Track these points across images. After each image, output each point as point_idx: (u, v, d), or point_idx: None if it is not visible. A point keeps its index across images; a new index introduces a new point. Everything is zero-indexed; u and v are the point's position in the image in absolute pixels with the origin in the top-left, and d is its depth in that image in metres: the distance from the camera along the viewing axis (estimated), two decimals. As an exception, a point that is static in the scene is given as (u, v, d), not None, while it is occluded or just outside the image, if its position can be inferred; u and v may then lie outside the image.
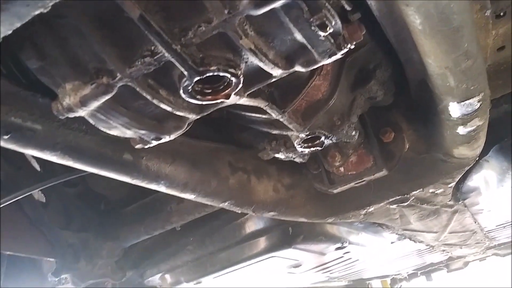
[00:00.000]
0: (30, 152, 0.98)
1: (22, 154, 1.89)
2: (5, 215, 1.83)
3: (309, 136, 1.25)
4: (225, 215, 2.11)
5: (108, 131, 0.95)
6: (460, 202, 2.21)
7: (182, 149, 1.32)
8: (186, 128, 1.02)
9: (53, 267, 2.28)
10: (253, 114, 1.19)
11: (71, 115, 0.86)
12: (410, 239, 2.70)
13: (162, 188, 1.29)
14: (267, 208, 1.64)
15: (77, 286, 2.06)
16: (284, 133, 1.26)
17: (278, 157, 1.46)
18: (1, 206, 1.60)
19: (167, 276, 2.33)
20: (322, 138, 1.27)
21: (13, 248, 1.89)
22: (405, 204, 1.89)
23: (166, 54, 0.78)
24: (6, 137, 0.91)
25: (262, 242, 2.11)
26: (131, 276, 2.33)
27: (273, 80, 0.93)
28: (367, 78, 1.28)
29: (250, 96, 0.98)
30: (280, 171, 1.69)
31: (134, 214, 2.03)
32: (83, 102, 0.83)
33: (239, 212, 1.61)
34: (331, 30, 0.80)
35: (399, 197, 1.77)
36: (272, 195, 1.65)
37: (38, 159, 1.94)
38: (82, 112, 0.86)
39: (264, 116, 1.16)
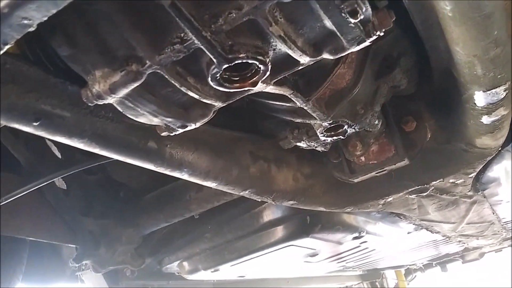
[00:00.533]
0: (58, 139, 0.99)
1: (43, 142, 1.91)
2: (27, 202, 1.86)
3: (332, 125, 1.24)
4: (243, 204, 2.11)
5: (135, 119, 0.96)
6: (480, 193, 2.19)
7: (205, 138, 1.33)
8: (211, 116, 1.03)
9: (73, 253, 2.32)
10: (277, 102, 1.18)
11: (100, 102, 0.87)
12: (427, 229, 2.69)
13: (185, 176, 1.30)
14: (286, 197, 1.65)
15: (97, 272, 2.10)
16: (307, 121, 1.25)
17: (299, 146, 1.46)
18: (25, 193, 1.63)
19: (185, 264, 2.35)
20: (345, 127, 1.27)
21: (35, 234, 1.92)
22: (424, 194, 1.89)
23: (196, 41, 0.78)
24: (36, 124, 0.92)
25: (279, 231, 2.12)
26: (150, 263, 2.36)
27: (300, 68, 0.92)
28: (392, 66, 1.27)
29: (276, 84, 0.98)
30: (300, 160, 1.69)
31: (154, 202, 2.05)
32: (113, 89, 0.84)
33: (259, 200, 1.62)
34: (361, 17, 0.79)
35: (419, 187, 1.77)
36: (291, 184, 1.65)
37: (59, 147, 1.96)
38: (111, 99, 0.87)
39: (287, 104, 1.16)
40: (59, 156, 1.95)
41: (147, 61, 0.82)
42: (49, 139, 1.91)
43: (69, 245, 2.22)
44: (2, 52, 0.67)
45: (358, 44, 0.86)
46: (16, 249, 2.04)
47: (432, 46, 1.17)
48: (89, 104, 0.87)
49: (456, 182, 1.86)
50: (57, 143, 1.95)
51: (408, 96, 1.51)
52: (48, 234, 1.97)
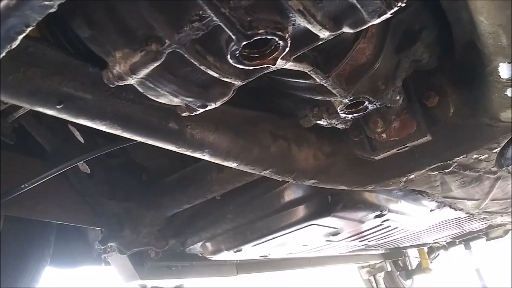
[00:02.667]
0: (81, 121, 1.01)
1: (66, 127, 1.94)
2: (52, 187, 1.90)
3: (352, 102, 1.23)
4: (264, 184, 2.12)
5: (156, 99, 0.97)
6: (504, 169, 2.15)
7: (225, 118, 1.33)
8: (231, 95, 1.03)
9: (99, 236, 2.37)
10: (296, 80, 1.18)
11: (121, 83, 0.87)
12: (450, 206, 2.67)
13: (206, 157, 1.31)
14: (307, 176, 1.64)
15: (123, 254, 2.14)
16: (327, 98, 1.24)
17: (319, 124, 1.45)
18: (50, 177, 1.66)
19: (208, 244, 2.38)
20: (366, 103, 1.25)
21: (61, 218, 1.97)
22: (447, 170, 1.86)
23: (215, 18, 0.77)
24: (59, 106, 0.93)
25: (301, 210, 2.12)
26: (173, 244, 2.40)
27: (320, 43, 0.91)
28: (413, 40, 1.24)
29: (296, 60, 0.98)
30: (320, 139, 1.68)
31: (175, 184, 2.07)
32: (133, 70, 0.84)
33: (280, 180, 1.62)
34: (382, -12, 0.78)
35: (442, 163, 1.74)
36: (312, 163, 1.65)
37: (81, 132, 1.99)
38: (131, 80, 0.87)
39: (307, 82, 1.15)
40: (82, 141, 1.98)
41: (166, 41, 0.82)
42: (71, 124, 1.94)
43: (95, 228, 2.26)
44: (24, 34, 0.68)
45: (379, 16, 0.84)
46: (44, 233, 2.09)
47: (455, 18, 1.15)
48: (110, 85, 0.88)
49: (479, 158, 1.83)
50: (79, 128, 1.98)
51: (429, 71, 1.47)
52: (73, 218, 2.01)
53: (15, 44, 0.69)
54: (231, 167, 1.46)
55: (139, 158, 2.14)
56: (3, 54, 0.70)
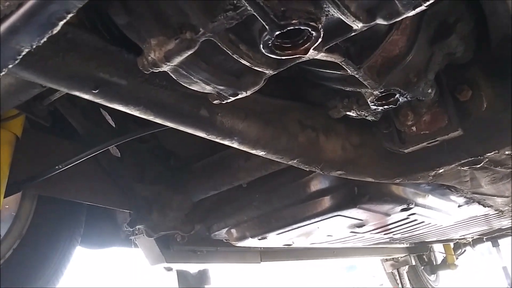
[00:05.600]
0: (115, 106, 1.03)
1: (99, 112, 1.99)
2: (84, 169, 1.95)
3: (383, 94, 1.22)
4: (291, 173, 2.13)
5: (189, 86, 0.98)
6: (537, 166, 2.10)
7: (255, 106, 1.34)
8: (262, 84, 1.03)
9: (127, 218, 2.43)
10: (327, 71, 1.17)
11: (156, 70, 0.89)
12: (479, 203, 2.62)
13: (235, 144, 1.32)
14: (335, 167, 1.64)
15: (150, 236, 2.19)
16: (358, 90, 1.24)
17: (348, 115, 1.45)
18: (83, 159, 1.71)
19: (233, 231, 2.40)
20: (397, 96, 1.24)
21: (92, 199, 2.03)
22: (478, 166, 1.83)
23: (249, 8, 0.78)
24: (95, 91, 0.96)
25: (327, 201, 2.12)
26: (199, 229, 2.43)
27: (353, 34, 0.91)
28: (447, 32, 1.22)
29: (328, 51, 0.98)
30: (349, 130, 1.67)
31: (203, 170, 2.10)
32: (167, 57, 0.86)
33: (307, 170, 1.63)
34: (418, -21, 0.77)
35: (472, 158, 1.71)
36: (340, 153, 1.64)
37: (113, 116, 2.04)
38: (165, 67, 0.89)
39: (338, 73, 1.14)
40: (113, 125, 2.02)
41: (201, 29, 0.83)
42: (103, 109, 1.99)
43: (123, 210, 2.32)
44: (65, 21, 0.70)
45: (414, 8, 0.84)
46: (75, 213, 2.15)
47: (492, 10, 1.12)
48: (145, 72, 0.90)
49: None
50: (111, 113, 2.03)
51: (463, 64, 1.45)
52: (104, 199, 2.06)
53: (56, 30, 0.71)
54: (259, 156, 1.48)
55: (168, 143, 2.18)
56: (44, 39, 0.73)
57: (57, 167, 1.68)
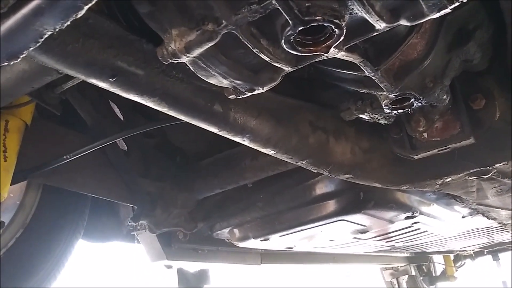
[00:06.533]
0: (131, 96, 1.03)
1: (107, 103, 1.99)
2: (91, 161, 1.95)
3: (398, 97, 1.21)
4: (296, 175, 2.12)
5: (206, 79, 0.98)
6: (544, 180, 2.09)
7: (268, 105, 1.34)
8: (279, 81, 1.03)
9: (130, 213, 2.42)
10: (343, 71, 1.17)
11: (175, 60, 0.89)
12: (483, 215, 2.61)
13: (246, 142, 1.32)
14: (343, 170, 1.64)
15: (153, 232, 2.18)
16: (373, 92, 1.23)
17: (359, 119, 1.44)
18: (90, 151, 1.71)
19: (236, 231, 2.39)
20: (412, 100, 1.23)
21: (97, 191, 2.02)
22: (486, 176, 1.82)
23: (273, 2, 0.78)
24: (112, 80, 0.95)
25: (331, 205, 2.11)
26: (201, 228, 2.42)
27: (375, 34, 0.90)
28: (466, 39, 1.21)
29: (347, 50, 0.97)
30: (359, 134, 1.66)
31: (209, 167, 2.09)
32: (188, 48, 0.86)
33: (315, 172, 1.62)
34: (446, -19, 0.76)
35: (481, 168, 1.70)
36: (349, 157, 1.63)
37: (121, 109, 2.03)
38: (185, 59, 0.89)
39: (355, 73, 1.14)
40: (121, 118, 2.02)
41: (223, 21, 0.83)
42: (112, 101, 1.98)
43: (126, 204, 2.31)
44: (90, 5, 0.69)
45: (439, 10, 0.83)
46: (79, 205, 2.14)
47: (512, 19, 1.12)
48: (164, 62, 0.90)
49: (520, 166, 1.78)
50: (120, 106, 2.02)
51: (478, 72, 1.44)
52: (108, 192, 2.06)
53: (81, 13, 0.71)
54: (266, 155, 1.47)
55: (176, 139, 2.17)
56: (68, 23, 0.72)
57: (64, 157, 1.68)
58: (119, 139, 1.98)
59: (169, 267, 2.63)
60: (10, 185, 1.57)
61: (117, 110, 2.03)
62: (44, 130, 1.83)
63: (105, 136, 1.77)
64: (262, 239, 2.36)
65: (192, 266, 2.74)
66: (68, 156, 1.68)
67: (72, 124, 1.95)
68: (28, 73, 1.16)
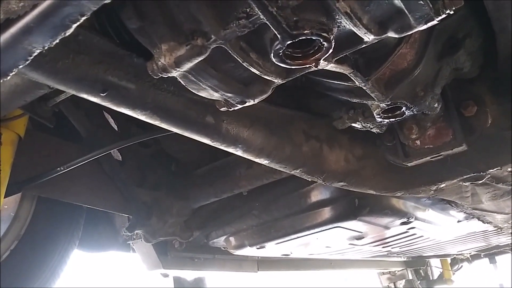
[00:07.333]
0: (123, 110, 1.03)
1: (101, 114, 1.99)
2: (85, 171, 1.94)
3: (390, 106, 1.22)
4: (291, 183, 2.12)
5: (197, 93, 0.98)
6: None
7: (260, 115, 1.34)
8: (270, 93, 1.03)
9: (125, 222, 2.42)
10: (334, 81, 1.18)
11: (165, 75, 0.89)
12: (479, 219, 2.62)
13: (239, 152, 1.32)
14: (337, 178, 1.64)
15: (148, 242, 2.17)
16: (364, 102, 1.24)
17: (352, 127, 1.45)
18: (85, 162, 1.70)
19: (232, 239, 2.39)
20: (403, 109, 1.24)
21: (92, 202, 2.01)
22: (480, 182, 1.83)
23: (262, 16, 0.78)
24: (103, 94, 0.95)
25: (327, 212, 2.11)
26: (197, 236, 2.42)
27: (363, 46, 0.91)
28: (456, 47, 1.22)
29: (337, 62, 0.98)
30: (352, 141, 1.67)
31: (204, 176, 2.09)
32: (177, 63, 0.86)
33: (309, 180, 1.62)
34: (432, -6, 0.77)
35: (475, 174, 1.71)
36: (343, 165, 1.64)
37: (115, 119, 2.03)
38: (175, 73, 0.89)
39: (345, 84, 1.15)
40: (116, 128, 2.02)
41: (212, 36, 0.83)
42: (106, 112, 1.98)
43: (122, 214, 2.31)
44: (78, 23, 0.70)
45: (426, 22, 0.84)
46: (74, 216, 2.14)
47: (501, 28, 1.13)
48: (154, 76, 0.90)
49: (514, 171, 1.79)
50: (114, 116, 2.02)
51: (469, 80, 1.45)
52: (104, 203, 2.05)
53: (69, 32, 0.71)
54: (261, 164, 1.47)
55: (170, 148, 2.17)
56: (57, 41, 0.73)
57: (58, 168, 1.68)
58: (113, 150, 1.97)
59: (166, 275, 2.62)
60: (4, 197, 1.57)
61: (111, 120, 2.03)
62: (37, 141, 1.82)
63: (100, 146, 1.77)
64: (258, 246, 2.36)
65: (188, 274, 2.73)
66: (62, 168, 1.67)
67: (66, 134, 1.95)
68: (21, 87, 1.16)
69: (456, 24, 1.20)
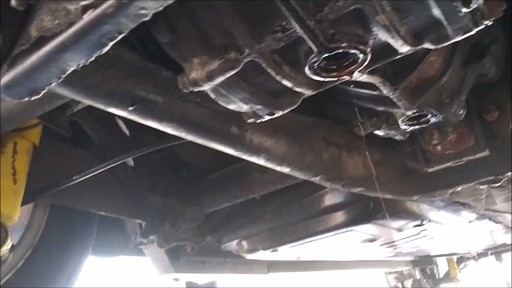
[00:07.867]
0: (149, 123, 1.01)
1: (114, 121, 1.96)
2: (97, 178, 1.92)
3: (415, 114, 1.20)
4: (305, 187, 2.10)
5: (226, 105, 0.96)
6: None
7: (282, 123, 1.32)
8: (298, 104, 1.02)
9: (136, 228, 2.40)
10: (361, 90, 1.16)
11: (196, 89, 0.87)
12: (490, 219, 2.61)
13: (261, 161, 1.30)
14: (355, 184, 1.62)
15: (162, 247, 2.15)
16: (390, 110, 1.22)
17: (376, 134, 1.43)
18: (100, 171, 1.68)
19: (244, 243, 2.38)
20: (429, 116, 1.23)
21: (106, 209, 2.00)
22: (497, 185, 1.82)
23: (299, 30, 0.76)
24: (131, 108, 0.94)
25: (341, 216, 2.10)
26: (209, 240, 2.40)
27: (398, 57, 0.89)
28: (481, 54, 1.21)
29: (369, 72, 0.96)
30: (371, 147, 1.65)
31: (217, 181, 2.07)
32: (210, 77, 0.84)
33: (329, 186, 1.61)
34: (474, 6, 0.75)
35: (493, 177, 1.70)
36: (361, 171, 1.62)
37: (127, 126, 2.01)
38: (206, 87, 0.87)
39: (373, 93, 1.13)
40: (127, 134, 1.99)
41: (246, 50, 0.81)
42: (118, 117, 1.96)
43: (134, 220, 2.29)
44: (115, 41, 0.68)
45: (465, 33, 0.82)
46: (87, 223, 2.12)
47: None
48: (185, 90, 0.88)
49: (531, 173, 1.78)
50: (126, 123, 2.00)
51: (490, 85, 1.44)
52: (116, 209, 2.03)
53: (106, 49, 0.69)
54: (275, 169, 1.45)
55: (182, 154, 2.15)
56: (92, 59, 0.71)
57: (73, 177, 1.66)
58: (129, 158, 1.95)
59: (177, 279, 2.61)
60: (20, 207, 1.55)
61: (123, 126, 2.01)
62: (50, 149, 1.80)
63: (112, 153, 1.75)
64: (271, 250, 2.35)
65: (200, 278, 2.72)
66: (77, 177, 1.66)
67: (78, 140, 1.93)
68: (41, 98, 1.14)
69: (482, 30, 1.18)
